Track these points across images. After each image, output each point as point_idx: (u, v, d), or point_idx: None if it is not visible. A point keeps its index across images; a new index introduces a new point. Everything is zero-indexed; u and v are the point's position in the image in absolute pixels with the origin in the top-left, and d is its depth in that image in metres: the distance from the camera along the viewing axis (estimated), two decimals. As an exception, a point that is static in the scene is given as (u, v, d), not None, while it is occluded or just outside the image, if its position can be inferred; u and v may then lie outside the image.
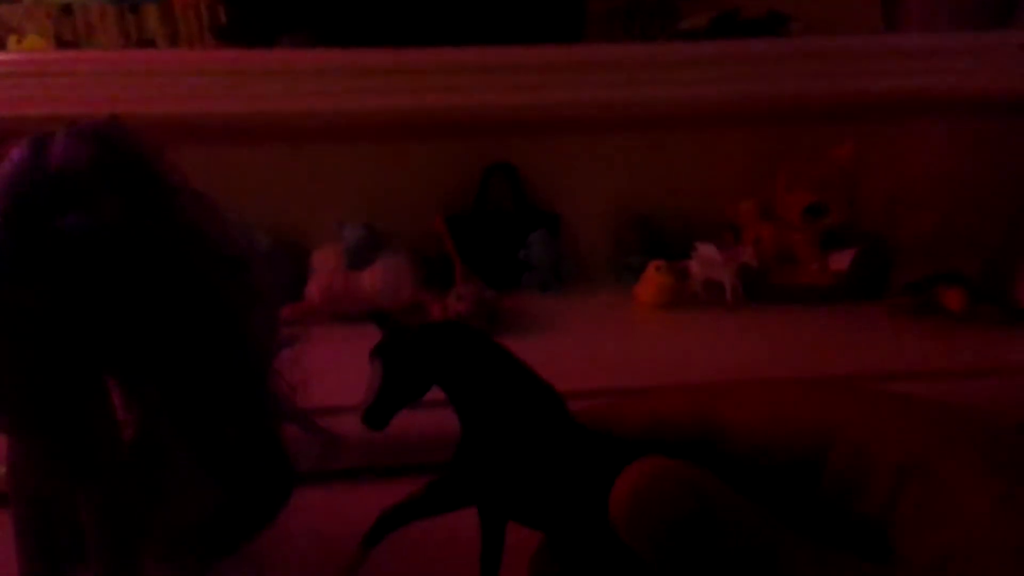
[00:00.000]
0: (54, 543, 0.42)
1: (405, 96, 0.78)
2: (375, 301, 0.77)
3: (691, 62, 0.82)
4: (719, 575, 0.17)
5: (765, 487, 0.20)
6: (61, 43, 1.02)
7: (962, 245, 0.76)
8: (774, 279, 0.80)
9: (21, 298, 0.36)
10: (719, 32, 1.02)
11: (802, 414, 0.20)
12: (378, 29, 0.84)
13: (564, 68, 0.80)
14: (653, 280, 0.79)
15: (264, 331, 0.44)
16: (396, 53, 0.78)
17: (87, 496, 0.41)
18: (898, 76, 0.81)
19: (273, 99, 0.77)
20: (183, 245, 0.39)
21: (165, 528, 0.42)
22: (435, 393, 0.60)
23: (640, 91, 0.81)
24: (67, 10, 1.02)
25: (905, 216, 0.80)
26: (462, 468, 0.24)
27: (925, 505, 0.17)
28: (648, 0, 1.05)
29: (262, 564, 0.48)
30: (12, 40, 1.00)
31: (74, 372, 0.38)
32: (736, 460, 0.21)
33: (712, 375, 0.63)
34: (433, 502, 0.25)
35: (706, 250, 0.80)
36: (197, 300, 0.40)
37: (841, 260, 0.79)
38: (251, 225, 0.75)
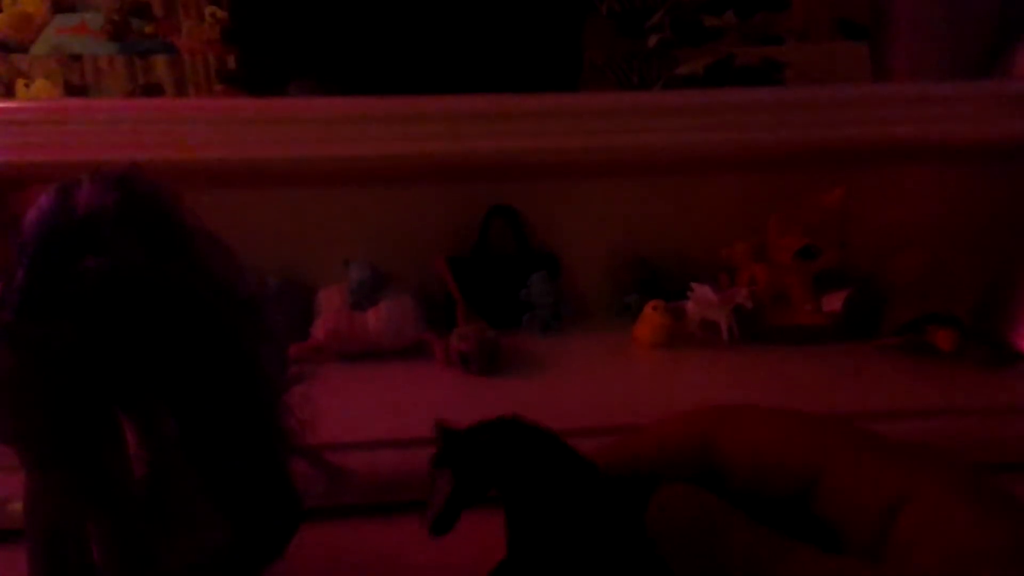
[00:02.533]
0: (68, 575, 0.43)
1: (409, 142, 0.79)
2: (379, 340, 0.78)
3: (686, 110, 0.84)
4: (727, 571, 0.19)
5: (764, 514, 0.21)
6: (70, 88, 1.04)
7: (952, 286, 0.78)
8: (769, 319, 0.81)
9: (45, 336, 0.37)
10: (714, 79, 1.04)
11: (790, 452, 0.21)
12: (384, 77, 0.86)
13: (563, 115, 0.82)
14: (650, 320, 0.80)
15: (274, 368, 0.45)
16: (401, 101, 0.80)
17: (100, 529, 0.42)
18: (887, 123, 0.83)
19: (281, 145, 0.79)
20: (198, 286, 0.41)
21: (175, 562, 0.43)
22: (426, 423, 0.60)
23: (637, 138, 0.82)
24: (76, 57, 1.04)
25: (896, 258, 0.82)
26: (518, 564, 0.24)
27: (917, 530, 0.18)
28: (645, 48, 1.08)
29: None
30: (21, 85, 1.02)
31: (90, 407, 0.40)
32: (737, 489, 0.22)
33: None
34: None
35: (702, 291, 0.81)
36: (211, 339, 0.41)
37: (834, 301, 0.80)
38: (260, 267, 0.76)
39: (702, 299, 0.82)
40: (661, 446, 0.24)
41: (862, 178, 0.88)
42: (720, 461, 0.22)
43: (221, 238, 0.43)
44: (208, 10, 1.07)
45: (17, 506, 0.43)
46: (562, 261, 0.93)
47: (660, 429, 0.24)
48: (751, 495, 0.22)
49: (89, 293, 0.37)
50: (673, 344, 0.81)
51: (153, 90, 1.06)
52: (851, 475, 0.20)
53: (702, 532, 0.20)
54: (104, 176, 0.40)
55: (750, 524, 0.20)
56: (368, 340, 0.78)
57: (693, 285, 0.83)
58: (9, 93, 1.02)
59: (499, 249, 0.92)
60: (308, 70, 0.93)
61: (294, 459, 0.45)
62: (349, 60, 0.91)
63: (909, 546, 0.18)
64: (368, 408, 0.65)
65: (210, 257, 0.42)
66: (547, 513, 0.23)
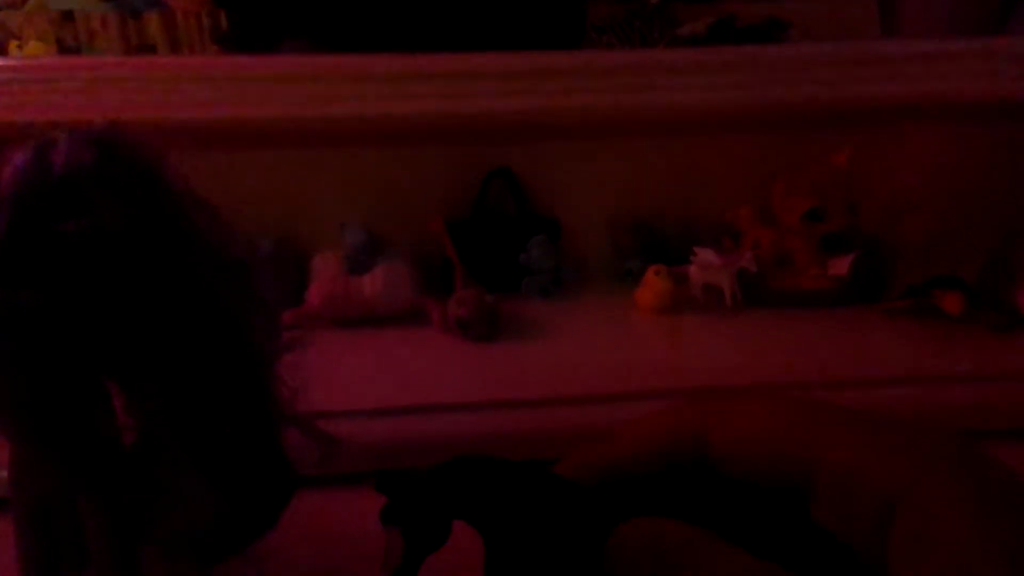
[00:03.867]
0: (55, 547, 0.42)
1: (406, 101, 0.78)
2: (375, 306, 0.77)
3: (689, 68, 0.83)
4: None
5: (761, 508, 0.20)
6: (63, 48, 1.02)
7: (960, 249, 0.77)
8: (773, 283, 0.80)
9: (24, 302, 0.36)
10: (717, 38, 1.02)
11: (786, 442, 0.20)
12: (378, 35, 0.84)
13: (563, 74, 0.81)
14: (652, 285, 0.79)
15: (265, 335, 0.44)
16: (396, 59, 0.79)
17: (88, 500, 0.41)
18: (895, 81, 0.82)
19: (274, 105, 0.77)
20: (185, 250, 0.39)
21: (166, 533, 0.42)
22: (434, 398, 0.60)
23: (639, 97, 0.81)
24: (68, 16, 1.03)
25: (903, 220, 0.80)
26: None
27: (915, 536, 0.17)
28: (647, 6, 1.06)
29: (262, 568, 0.48)
30: (13, 45, 1.00)
31: (75, 376, 0.39)
32: (733, 482, 0.21)
33: (711, 379, 0.63)
34: None
35: (705, 255, 0.80)
36: (199, 304, 0.40)
37: (840, 264, 0.79)
38: (253, 230, 0.75)
39: (705, 263, 0.81)
40: (653, 440, 0.23)
41: (869, 139, 0.87)
42: (714, 455, 0.22)
43: (209, 200, 0.42)
44: (199, -32, 1.05)
45: (2, 474, 0.42)
46: (562, 225, 0.92)
47: (647, 426, 0.23)
48: (746, 488, 0.21)
49: (70, 256, 0.36)
50: (676, 309, 0.80)
51: (146, 50, 1.05)
52: (846, 472, 0.19)
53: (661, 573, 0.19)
54: (82, 134, 0.38)
55: (716, 559, 0.19)
56: (364, 305, 0.77)
57: (696, 249, 0.81)
58: (2, 53, 1.01)
59: (498, 212, 0.91)
60: (301, 29, 0.91)
61: (287, 428, 0.44)
62: (343, 18, 0.89)
63: (907, 550, 0.17)
64: (364, 375, 0.64)
65: (197, 219, 0.41)
66: (522, 543, 0.22)
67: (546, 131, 0.89)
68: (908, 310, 0.76)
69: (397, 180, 0.89)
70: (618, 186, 0.93)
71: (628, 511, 0.21)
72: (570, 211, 0.93)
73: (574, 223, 0.93)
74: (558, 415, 0.58)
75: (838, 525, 0.19)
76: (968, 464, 0.18)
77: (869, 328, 0.75)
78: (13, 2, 1.02)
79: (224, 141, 0.83)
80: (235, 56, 0.92)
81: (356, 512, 0.52)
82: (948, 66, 0.82)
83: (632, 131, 0.91)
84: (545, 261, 0.86)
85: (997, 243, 0.80)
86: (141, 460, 0.41)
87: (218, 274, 0.41)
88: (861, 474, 0.18)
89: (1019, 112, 0.85)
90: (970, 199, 0.83)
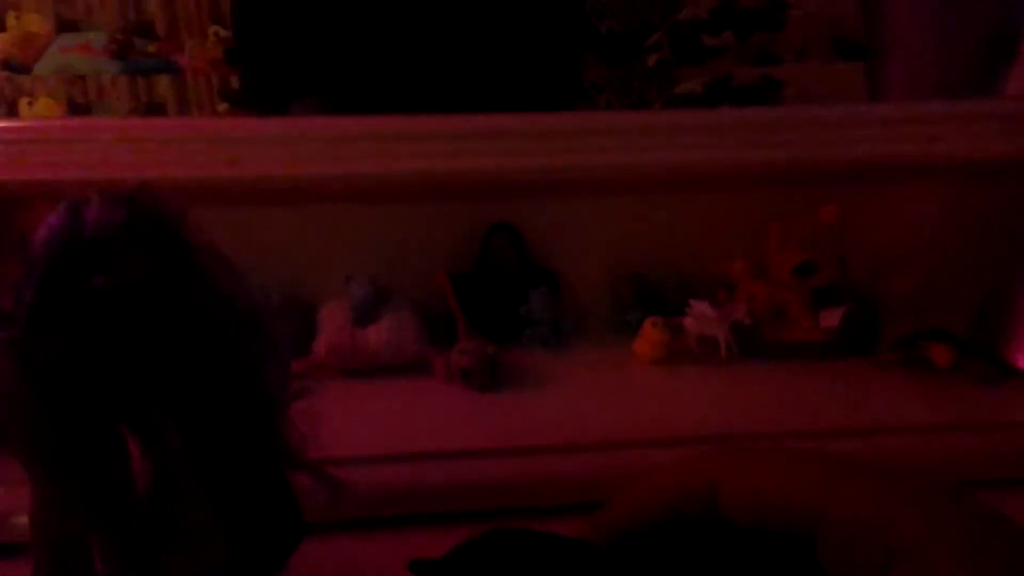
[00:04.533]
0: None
1: (411, 160, 0.80)
2: (380, 356, 0.78)
3: (686, 128, 0.85)
4: None
5: (773, 557, 0.22)
6: (72, 106, 1.04)
7: (948, 303, 0.79)
8: (767, 335, 0.82)
9: (53, 353, 0.38)
10: (713, 98, 1.06)
11: (793, 494, 0.21)
12: (386, 96, 0.87)
13: (563, 134, 0.83)
14: (650, 336, 0.81)
15: (277, 383, 0.45)
16: (403, 120, 0.81)
17: (103, 544, 0.42)
18: (883, 142, 0.84)
19: (283, 164, 0.79)
20: (203, 303, 0.42)
21: (177, 573, 0.43)
22: (437, 445, 0.61)
23: (636, 156, 0.83)
24: (79, 76, 1.05)
25: (892, 275, 0.82)
26: None
27: None
28: (645, 67, 1.09)
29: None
30: (24, 103, 1.03)
31: (96, 423, 0.40)
32: (745, 532, 0.22)
33: (708, 428, 0.64)
34: None
35: (700, 307, 0.82)
36: (215, 354, 0.42)
37: (832, 317, 0.81)
38: (263, 283, 0.77)
39: (700, 315, 0.82)
40: (667, 496, 0.24)
41: (859, 195, 0.89)
42: (723, 505, 0.23)
43: (225, 255, 0.44)
44: (211, 29, 1.08)
45: (22, 519, 0.44)
46: (562, 277, 0.93)
47: (663, 478, 0.24)
48: (761, 537, 0.22)
49: (96, 310, 0.38)
50: (672, 359, 0.82)
51: (156, 109, 1.07)
52: (849, 523, 0.20)
53: None
54: (113, 195, 0.40)
55: None
56: (369, 356, 0.78)
57: (691, 301, 0.83)
58: (12, 112, 1.03)
59: (500, 265, 0.92)
60: (311, 90, 0.94)
61: (296, 473, 0.46)
62: (351, 80, 0.92)
63: None
64: (369, 423, 0.66)
65: (214, 273, 0.43)
66: None
67: (546, 188, 0.91)
68: (899, 362, 0.77)
69: (401, 235, 0.91)
70: (616, 240, 0.95)
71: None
72: (570, 264, 0.94)
73: (574, 276, 0.94)
74: (558, 462, 0.59)
75: (843, 572, 0.20)
76: (966, 515, 0.19)
77: (861, 379, 0.77)
78: (25, 61, 1.05)
79: (233, 199, 0.85)
80: (244, 118, 0.94)
81: (363, 557, 0.53)
82: (932, 128, 0.84)
83: (630, 188, 0.93)
84: (545, 313, 0.87)
85: (985, 297, 0.82)
86: (155, 504, 0.43)
87: (234, 325, 0.43)
88: (863, 525, 0.19)
89: (1002, 170, 0.88)
90: (957, 254, 0.85)
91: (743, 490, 0.22)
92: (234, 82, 1.06)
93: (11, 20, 1.03)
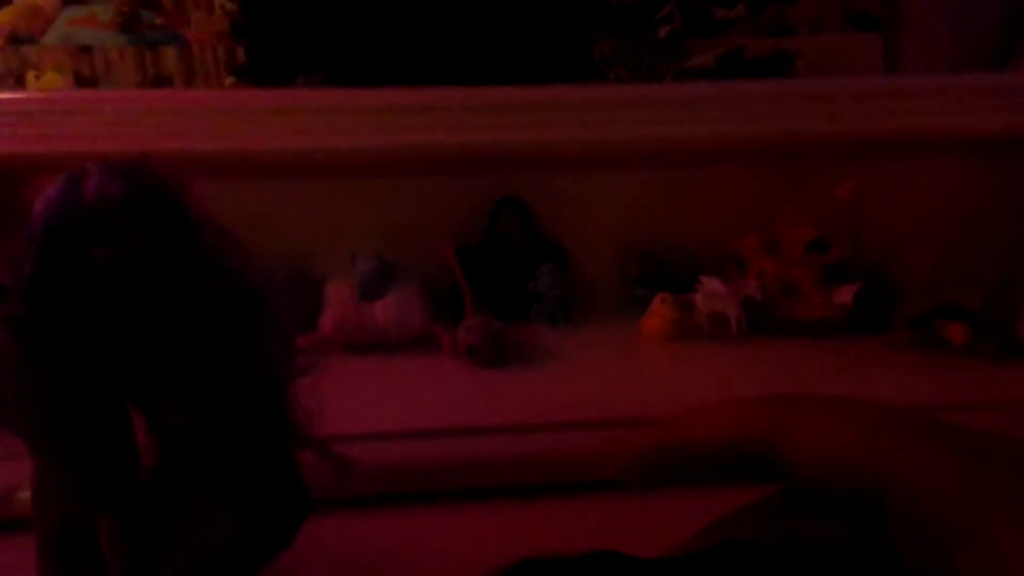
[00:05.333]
0: (76, 566, 0.43)
1: (418, 133, 0.79)
2: (387, 332, 0.78)
3: (697, 101, 0.84)
4: None
5: (836, 513, 0.20)
6: (79, 79, 1.04)
7: (963, 280, 0.77)
8: (778, 312, 0.81)
9: (53, 327, 0.37)
10: (725, 71, 1.04)
11: (857, 455, 0.19)
12: (392, 69, 0.86)
13: (572, 107, 0.82)
14: (659, 313, 0.80)
15: (281, 359, 0.45)
16: (410, 92, 0.80)
17: (107, 520, 0.42)
18: (898, 115, 0.83)
19: (289, 137, 0.79)
20: (206, 277, 0.41)
21: (183, 552, 0.43)
22: (443, 422, 0.61)
23: (647, 129, 0.82)
24: (86, 48, 1.04)
25: (906, 251, 0.81)
26: None
27: (985, 572, 0.16)
28: (656, 39, 1.08)
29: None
30: (31, 76, 1.02)
31: (99, 399, 0.40)
32: (806, 488, 0.20)
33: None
34: None
35: (711, 284, 0.81)
36: (218, 329, 0.41)
37: (844, 294, 0.80)
38: (268, 258, 0.76)
39: (711, 292, 0.82)
40: (716, 438, 0.22)
41: (873, 171, 0.88)
42: (786, 455, 0.20)
43: (229, 229, 0.43)
44: (217, 2, 1.07)
45: (25, 495, 0.43)
46: (570, 253, 0.93)
47: (714, 419, 0.22)
48: (822, 496, 0.20)
49: (97, 284, 0.37)
50: (682, 337, 0.81)
51: (162, 81, 1.06)
52: (924, 482, 0.18)
53: None
54: (112, 166, 0.40)
55: None
56: (375, 332, 0.78)
57: (702, 278, 0.83)
58: (20, 84, 1.02)
59: (507, 241, 0.92)
60: (317, 62, 0.93)
61: (302, 450, 0.45)
62: (358, 53, 0.91)
63: None
64: (375, 400, 0.65)
65: (218, 248, 0.42)
66: None
67: (556, 162, 0.90)
68: (912, 340, 0.76)
69: (408, 209, 0.90)
70: (626, 215, 0.94)
71: None
72: (579, 240, 0.93)
73: (582, 252, 0.94)
74: (564, 440, 0.59)
75: (910, 548, 0.18)
76: None
77: (873, 357, 0.76)
78: (32, 33, 1.04)
79: (241, 171, 0.85)
80: (250, 90, 0.93)
81: (369, 534, 0.53)
82: (949, 101, 0.83)
83: (639, 162, 0.92)
84: (553, 289, 0.87)
85: (1000, 273, 0.80)
86: (160, 481, 0.43)
87: (237, 300, 0.42)
88: (931, 498, 0.17)
89: (1019, 144, 0.86)
90: (972, 230, 0.84)
91: (808, 442, 0.20)
92: (240, 55, 1.05)
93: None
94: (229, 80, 1.05)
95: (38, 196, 0.38)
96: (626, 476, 0.23)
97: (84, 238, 0.37)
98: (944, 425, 0.19)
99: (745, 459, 0.21)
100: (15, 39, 1.03)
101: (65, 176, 0.38)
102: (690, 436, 0.22)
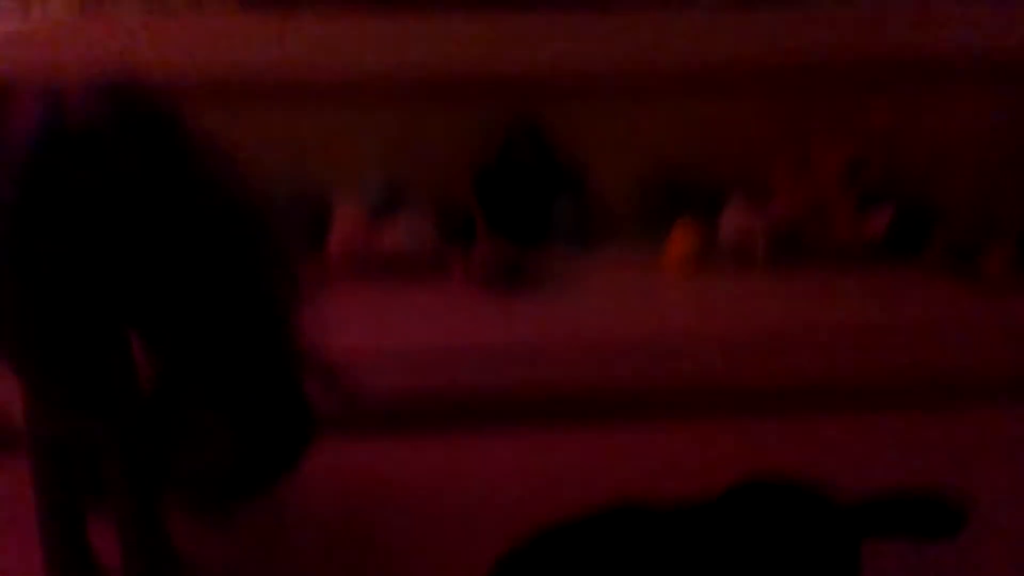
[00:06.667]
0: (72, 481, 0.43)
1: (434, 57, 0.77)
2: (397, 255, 0.77)
3: (722, 24, 0.80)
4: None
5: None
6: (86, 6, 1.02)
7: (1003, 208, 0.75)
8: (807, 238, 0.78)
9: (41, 251, 0.36)
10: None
11: None
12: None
13: (594, 30, 0.79)
14: (681, 238, 0.78)
15: (283, 281, 0.44)
16: (424, 17, 0.78)
17: (108, 440, 0.41)
18: (929, 31, 0.79)
19: (299, 62, 0.77)
20: (200, 198, 0.39)
21: (185, 473, 0.43)
22: (453, 346, 0.59)
23: (670, 53, 0.79)
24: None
25: (944, 178, 0.78)
26: None
27: None
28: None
29: (282, 514, 0.48)
30: (37, 3, 1.00)
31: (95, 321, 0.39)
32: None
33: (737, 336, 0.62)
34: None
35: (737, 209, 0.78)
36: (214, 251, 0.40)
37: (878, 220, 0.77)
38: (276, 180, 0.75)
39: (736, 217, 0.79)
40: None
41: (910, 96, 0.84)
42: None
43: (226, 150, 0.42)
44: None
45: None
46: (590, 177, 0.90)
47: None
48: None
49: (85, 207, 0.36)
50: (705, 264, 0.78)
51: (168, 12, 1.04)
52: None
53: None
54: (97, 84, 0.38)
55: None
56: (384, 256, 0.77)
57: (727, 202, 0.80)
58: (26, 11, 1.01)
59: (524, 164, 0.89)
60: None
61: (307, 373, 0.44)
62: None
63: None
64: (384, 325, 0.64)
65: (212, 168, 0.41)
66: None
67: (575, 86, 0.87)
68: (947, 267, 0.73)
69: (421, 131, 0.88)
70: (649, 140, 0.91)
71: None
72: (598, 164, 0.91)
73: (602, 176, 0.91)
74: (578, 365, 0.58)
75: None
76: None
77: (906, 285, 0.73)
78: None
79: (253, 95, 0.83)
80: (259, 14, 0.91)
81: (374, 462, 0.53)
82: (985, 17, 0.79)
83: (664, 84, 0.88)
84: (571, 212, 0.84)
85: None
86: (161, 403, 0.42)
87: (233, 222, 0.41)
88: None
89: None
90: (1013, 160, 0.80)
91: None
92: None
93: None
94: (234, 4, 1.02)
95: (16, 116, 0.36)
96: None
97: (69, 160, 0.36)
98: None
99: None
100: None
101: (44, 94, 0.37)
102: None
